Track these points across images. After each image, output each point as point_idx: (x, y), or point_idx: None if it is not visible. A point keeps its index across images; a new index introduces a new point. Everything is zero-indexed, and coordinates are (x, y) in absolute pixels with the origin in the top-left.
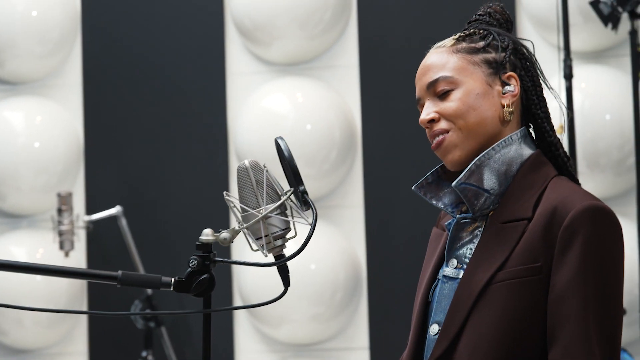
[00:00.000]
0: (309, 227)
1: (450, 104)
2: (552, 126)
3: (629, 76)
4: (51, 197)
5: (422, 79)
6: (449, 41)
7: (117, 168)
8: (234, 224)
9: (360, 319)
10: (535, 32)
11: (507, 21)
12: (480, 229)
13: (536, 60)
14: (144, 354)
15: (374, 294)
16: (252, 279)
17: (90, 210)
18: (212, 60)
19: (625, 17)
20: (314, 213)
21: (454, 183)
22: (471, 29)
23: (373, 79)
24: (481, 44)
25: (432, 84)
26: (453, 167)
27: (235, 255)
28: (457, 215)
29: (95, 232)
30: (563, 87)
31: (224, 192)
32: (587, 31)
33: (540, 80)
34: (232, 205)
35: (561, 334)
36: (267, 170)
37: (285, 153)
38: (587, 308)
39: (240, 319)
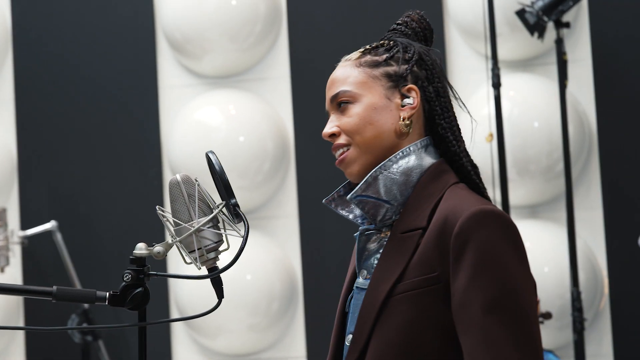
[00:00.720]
0: (241, 239)
1: (349, 120)
2: (457, 136)
3: (555, 84)
4: None
5: (328, 92)
6: (355, 54)
7: (51, 183)
8: (169, 237)
9: (297, 328)
10: (463, 42)
11: (424, 29)
12: (386, 239)
13: (441, 69)
14: None
15: (310, 303)
16: (188, 290)
17: (24, 225)
18: (144, 73)
19: (550, 25)
20: (246, 225)
21: (348, 196)
22: (382, 40)
23: (304, 90)
24: (384, 56)
25: (334, 98)
26: (355, 181)
27: (172, 268)
28: (361, 227)
29: (31, 247)
30: (491, 96)
31: (157, 207)
32: (514, 40)
33: (446, 91)
34: (165, 219)
35: (466, 342)
36: (198, 184)
37: (216, 167)
38: (488, 311)
39: (177, 330)
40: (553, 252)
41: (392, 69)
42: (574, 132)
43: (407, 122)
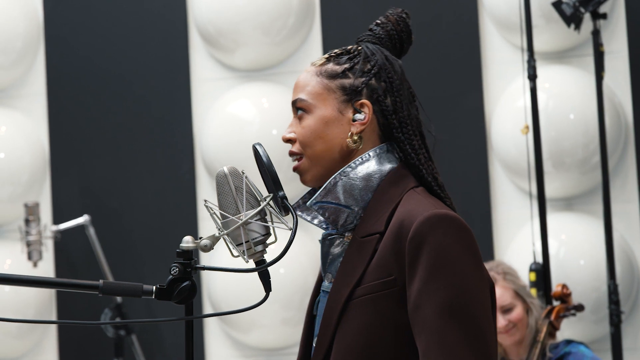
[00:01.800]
0: (290, 231)
1: (301, 131)
2: (416, 149)
3: (592, 76)
4: (18, 208)
5: (292, 95)
6: (320, 60)
7: (83, 177)
8: (202, 231)
9: None
10: (498, 34)
11: (400, 32)
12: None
13: (402, 82)
14: None
15: None
16: (221, 285)
17: (57, 219)
18: (176, 67)
19: (587, 17)
20: (295, 218)
21: (308, 202)
22: (351, 46)
23: None
24: (343, 67)
25: (294, 104)
26: (312, 187)
27: (205, 261)
28: (324, 232)
29: (63, 241)
30: (527, 88)
31: (204, 199)
32: (550, 32)
33: (405, 104)
34: (212, 212)
35: (421, 344)
36: (246, 177)
37: (264, 159)
38: (441, 314)
39: (211, 324)
40: (589, 244)
41: (349, 81)
42: (610, 124)
43: (355, 138)
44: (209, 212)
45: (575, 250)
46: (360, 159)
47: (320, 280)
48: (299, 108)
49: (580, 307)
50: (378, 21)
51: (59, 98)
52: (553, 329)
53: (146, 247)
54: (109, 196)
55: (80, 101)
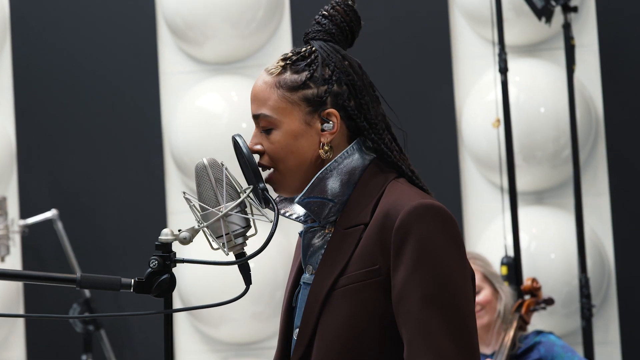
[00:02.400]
0: (270, 223)
1: (270, 146)
2: (390, 146)
3: (562, 69)
4: None
5: (251, 105)
6: (276, 68)
7: (51, 171)
8: (172, 225)
9: None
10: (469, 28)
11: (350, 22)
12: (330, 235)
13: (363, 80)
14: (83, 357)
15: None
16: (190, 279)
17: (24, 214)
18: (144, 60)
19: (558, 10)
20: (275, 210)
21: (297, 199)
22: (302, 48)
23: None
24: (304, 75)
25: (256, 118)
26: (287, 196)
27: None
28: (306, 225)
29: (31, 236)
30: (498, 81)
31: (183, 191)
32: (521, 25)
33: (370, 102)
34: (191, 204)
35: (405, 332)
36: (226, 168)
37: (244, 150)
38: (426, 304)
39: (180, 319)
40: (559, 238)
41: (311, 91)
42: (581, 117)
43: (327, 147)
44: (188, 204)
45: (547, 244)
46: (345, 153)
47: (298, 273)
48: (261, 123)
49: (550, 301)
50: (325, 12)
51: (26, 92)
52: (523, 322)
53: (115, 241)
54: (77, 190)
55: (47, 95)
